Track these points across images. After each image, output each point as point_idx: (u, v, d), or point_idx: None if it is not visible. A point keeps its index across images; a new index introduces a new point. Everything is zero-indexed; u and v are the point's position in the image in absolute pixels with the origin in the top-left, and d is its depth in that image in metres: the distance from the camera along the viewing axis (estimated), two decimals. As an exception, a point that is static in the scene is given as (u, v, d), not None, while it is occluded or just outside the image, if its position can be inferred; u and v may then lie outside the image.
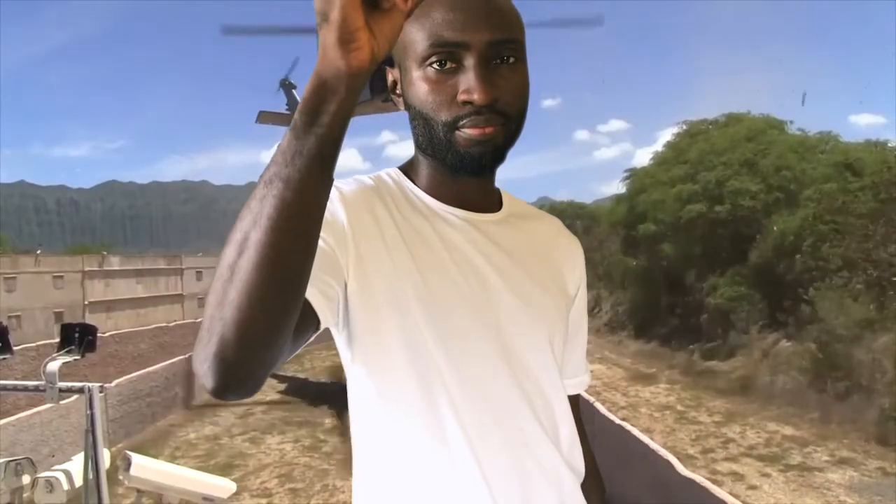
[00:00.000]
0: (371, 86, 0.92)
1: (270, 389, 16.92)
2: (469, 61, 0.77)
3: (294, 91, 24.15)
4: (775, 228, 16.83)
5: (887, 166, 15.24)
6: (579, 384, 1.02)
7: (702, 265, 19.32)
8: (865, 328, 12.96)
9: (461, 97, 0.78)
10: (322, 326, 0.74)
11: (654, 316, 21.72)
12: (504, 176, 0.94)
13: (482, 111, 0.78)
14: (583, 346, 1.05)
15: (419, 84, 0.80)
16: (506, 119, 0.80)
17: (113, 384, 12.14)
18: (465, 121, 0.79)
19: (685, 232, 19.49)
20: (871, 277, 13.47)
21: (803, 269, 15.46)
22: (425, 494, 0.81)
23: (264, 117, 23.24)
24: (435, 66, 0.78)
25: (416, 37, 0.78)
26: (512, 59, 0.80)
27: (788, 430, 11.95)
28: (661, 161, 23.23)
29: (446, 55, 0.78)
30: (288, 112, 23.56)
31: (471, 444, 0.80)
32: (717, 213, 18.50)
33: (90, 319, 26.98)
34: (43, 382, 3.68)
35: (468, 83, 0.77)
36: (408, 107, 0.84)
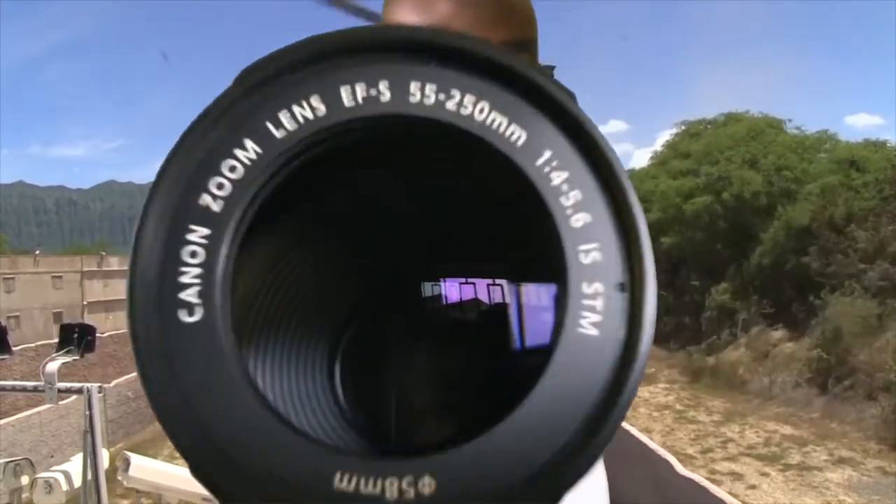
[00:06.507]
0: None
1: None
2: None
3: None
4: (776, 224, 16.80)
5: (891, 164, 15.24)
6: None
7: (702, 263, 19.31)
8: (866, 327, 12.96)
9: None
10: None
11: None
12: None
13: None
14: None
15: None
16: None
17: (112, 384, 12.14)
18: None
19: (687, 226, 19.45)
20: (874, 275, 13.45)
21: (804, 268, 15.46)
22: None
23: None
24: None
25: None
26: None
27: (787, 430, 11.95)
28: (660, 161, 23.24)
29: None
30: None
31: None
32: (722, 201, 18.43)
33: (89, 319, 26.97)
34: (42, 383, 3.67)
35: None
36: None
